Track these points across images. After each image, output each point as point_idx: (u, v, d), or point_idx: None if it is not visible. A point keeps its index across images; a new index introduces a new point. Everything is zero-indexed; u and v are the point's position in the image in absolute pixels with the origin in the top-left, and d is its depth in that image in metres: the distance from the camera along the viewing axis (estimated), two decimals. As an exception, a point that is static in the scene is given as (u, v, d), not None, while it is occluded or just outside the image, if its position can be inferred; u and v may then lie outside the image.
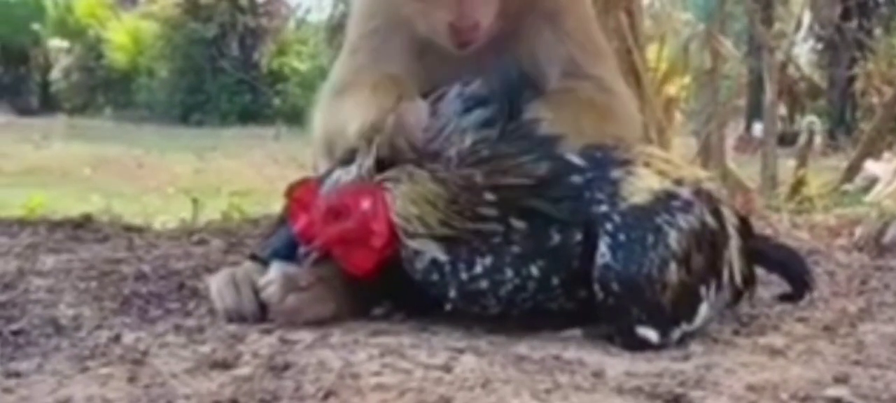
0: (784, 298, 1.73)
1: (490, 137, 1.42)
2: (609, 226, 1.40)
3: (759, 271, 1.71)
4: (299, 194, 1.52)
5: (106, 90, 14.69)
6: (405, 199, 1.42)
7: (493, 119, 1.42)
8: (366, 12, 1.69)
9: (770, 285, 1.76)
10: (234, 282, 1.54)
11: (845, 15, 9.96)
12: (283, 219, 1.60)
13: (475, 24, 1.55)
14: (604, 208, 1.41)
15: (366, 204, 1.43)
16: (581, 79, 1.61)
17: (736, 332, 1.55)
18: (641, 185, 1.44)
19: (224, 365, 1.28)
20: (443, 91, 1.48)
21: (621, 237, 1.39)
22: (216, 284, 1.56)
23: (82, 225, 2.55)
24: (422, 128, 1.43)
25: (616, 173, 1.44)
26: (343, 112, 1.57)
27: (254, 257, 1.63)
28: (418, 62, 1.60)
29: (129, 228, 2.60)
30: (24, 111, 13.69)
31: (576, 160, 1.44)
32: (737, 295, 1.62)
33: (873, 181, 4.77)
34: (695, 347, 1.45)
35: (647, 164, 1.48)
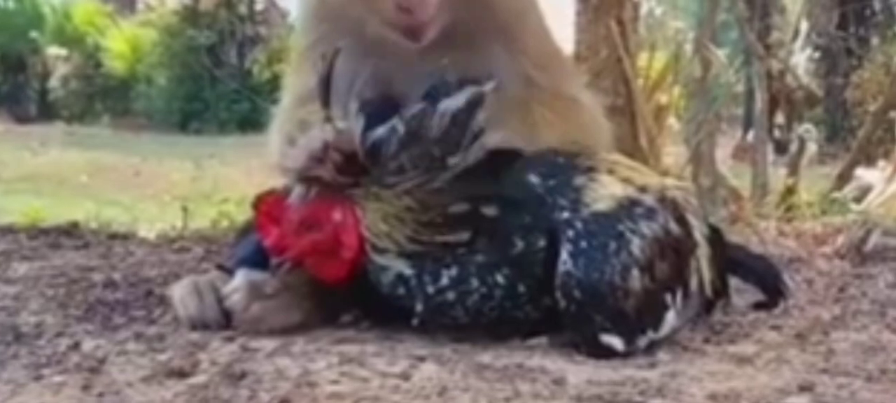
0: (758, 306, 1.71)
1: (445, 149, 1.40)
2: (571, 233, 1.38)
3: (735, 280, 1.70)
4: (268, 207, 1.50)
5: (104, 98, 14.67)
6: (375, 215, 1.40)
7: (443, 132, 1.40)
8: (310, 21, 1.66)
9: (745, 293, 1.75)
10: (197, 290, 1.52)
11: (842, 24, 9.96)
12: (249, 228, 1.59)
13: (419, 2, 1.49)
14: (566, 215, 1.40)
15: (337, 215, 1.42)
16: (540, 90, 1.59)
17: (706, 340, 1.54)
18: (604, 192, 1.42)
19: (181, 374, 1.26)
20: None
21: (583, 244, 1.38)
22: (179, 292, 1.55)
23: (68, 233, 2.55)
24: (312, 153, 1.40)
25: (579, 180, 1.43)
26: (280, 133, 1.55)
27: (220, 267, 1.62)
28: (371, 67, 1.58)
29: (113, 235, 2.60)
30: (22, 118, 13.68)
31: (538, 167, 1.42)
32: (709, 305, 1.61)
33: (867, 189, 4.76)
34: (662, 355, 1.43)
35: (611, 171, 1.47)
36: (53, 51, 14.85)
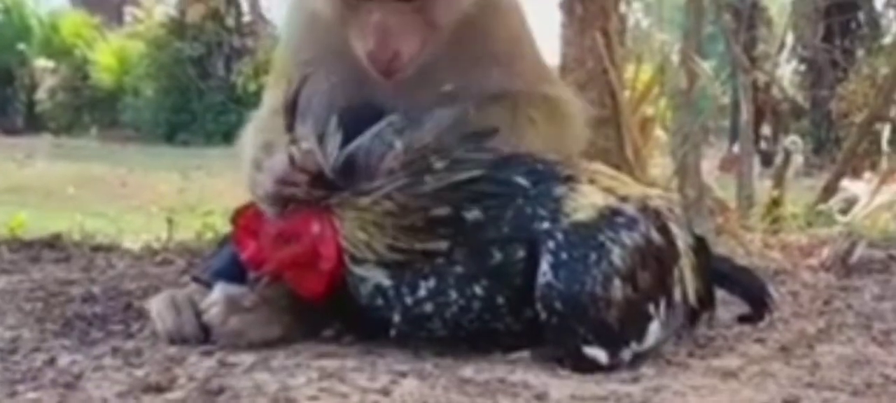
0: (743, 319, 1.70)
1: (431, 149, 1.39)
2: (551, 244, 1.37)
3: (720, 292, 1.68)
4: (246, 221, 1.49)
5: (92, 110, 14.63)
6: (353, 224, 1.39)
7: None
8: (295, 45, 1.66)
9: (731, 305, 1.74)
10: (175, 304, 1.50)
11: (828, 36, 10.00)
12: (226, 241, 1.57)
13: (394, 54, 1.49)
14: (546, 225, 1.38)
15: (315, 227, 1.40)
16: (529, 96, 1.59)
17: (690, 354, 1.52)
18: (585, 202, 1.41)
19: (157, 389, 1.24)
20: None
21: (563, 255, 1.36)
22: (156, 306, 1.53)
23: (50, 245, 2.52)
24: (277, 177, 1.40)
25: (559, 189, 1.41)
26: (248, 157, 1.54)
27: (196, 279, 1.60)
28: (352, 86, 1.57)
29: (96, 248, 2.58)
30: (9, 130, 13.61)
31: (519, 178, 1.41)
32: (693, 316, 1.60)
33: (853, 201, 4.77)
34: (646, 369, 1.42)
35: (592, 181, 1.45)
36: (41, 63, 14.82)
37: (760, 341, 1.62)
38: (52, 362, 1.38)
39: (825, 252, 2.48)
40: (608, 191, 1.45)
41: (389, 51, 1.49)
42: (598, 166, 1.54)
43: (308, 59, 1.59)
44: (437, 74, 1.53)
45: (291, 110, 1.39)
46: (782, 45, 9.85)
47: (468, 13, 1.56)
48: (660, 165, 4.30)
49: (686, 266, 1.51)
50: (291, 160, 1.39)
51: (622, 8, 3.74)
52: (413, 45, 1.51)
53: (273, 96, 1.63)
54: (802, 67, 10.74)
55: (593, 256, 1.37)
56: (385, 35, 1.49)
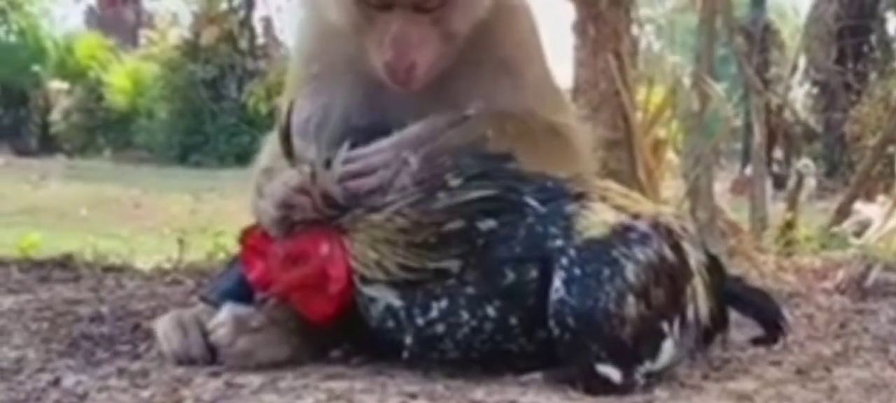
0: (758, 341, 1.67)
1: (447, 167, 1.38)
2: (564, 261, 1.35)
3: (734, 314, 1.66)
4: (254, 241, 1.47)
5: (105, 131, 14.68)
6: (363, 244, 1.37)
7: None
8: (307, 54, 1.65)
9: (744, 327, 1.72)
10: (182, 325, 1.49)
11: (840, 59, 9.97)
12: (235, 261, 1.56)
13: (411, 65, 1.49)
14: (558, 243, 1.36)
15: (324, 248, 1.39)
16: (534, 117, 1.58)
17: (705, 376, 1.50)
18: (596, 219, 1.39)
19: (163, 410, 1.23)
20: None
21: (576, 271, 1.34)
22: (163, 327, 1.51)
23: (61, 265, 2.51)
24: (278, 202, 1.39)
25: (570, 207, 1.40)
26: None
27: (204, 298, 1.58)
28: (367, 102, 1.56)
29: (107, 268, 2.56)
30: (23, 152, 13.67)
31: (529, 199, 1.39)
32: (707, 337, 1.58)
33: (866, 224, 4.72)
34: (660, 392, 1.39)
35: (603, 198, 1.44)
36: (55, 84, 14.89)
37: (776, 364, 1.60)
38: (56, 382, 1.36)
39: (840, 274, 2.45)
40: (620, 208, 1.44)
41: (407, 61, 1.49)
42: (609, 184, 1.52)
43: (320, 70, 1.59)
44: (448, 82, 1.53)
45: (287, 138, 1.38)
46: (794, 68, 9.82)
47: (481, 19, 1.55)
48: (671, 187, 4.28)
49: (699, 284, 1.49)
50: (292, 184, 1.37)
51: (634, 30, 3.74)
52: (430, 55, 1.50)
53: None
54: (815, 90, 10.70)
55: (607, 272, 1.35)
56: (403, 45, 1.48)
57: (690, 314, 1.47)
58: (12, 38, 15.08)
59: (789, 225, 4.06)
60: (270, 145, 1.62)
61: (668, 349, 1.42)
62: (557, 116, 1.63)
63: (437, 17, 1.50)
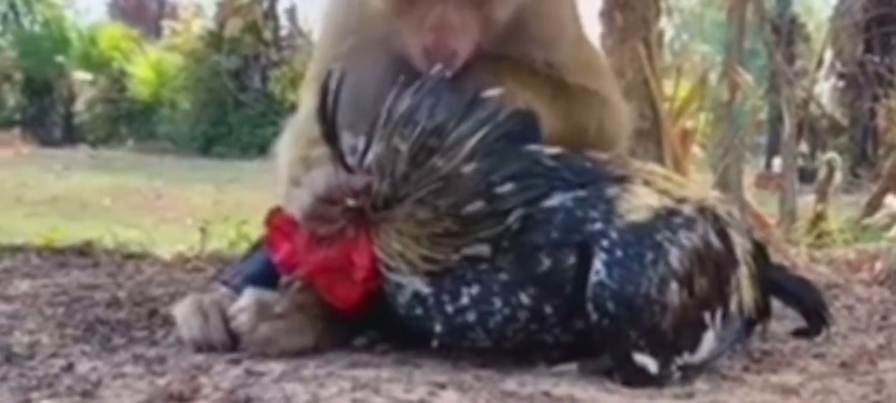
0: (799, 333, 1.61)
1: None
2: (605, 243, 1.28)
3: (774, 304, 1.59)
4: (280, 222, 1.41)
5: (129, 122, 14.71)
6: (388, 235, 1.31)
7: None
8: (337, 33, 1.58)
9: (784, 319, 1.65)
10: (202, 310, 1.43)
11: (867, 51, 9.83)
12: (259, 246, 1.50)
13: (452, 53, 1.43)
14: (599, 225, 1.29)
15: (350, 232, 1.33)
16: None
17: (746, 368, 1.44)
18: (639, 202, 1.32)
19: (180, 399, 1.17)
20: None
21: (618, 253, 1.27)
22: (182, 312, 1.45)
23: (81, 252, 2.47)
24: (317, 196, 1.32)
25: (612, 190, 1.33)
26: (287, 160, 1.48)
27: (226, 283, 1.53)
28: (398, 78, 1.50)
29: (127, 255, 2.52)
30: (47, 142, 13.72)
31: (566, 174, 1.32)
32: (748, 327, 1.51)
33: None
34: (700, 384, 1.33)
35: (647, 182, 1.37)
36: (79, 75, 14.93)
37: (819, 356, 1.53)
38: (70, 368, 1.31)
39: (878, 266, 2.39)
40: (664, 192, 1.37)
41: (448, 50, 1.43)
42: (653, 167, 1.45)
43: (347, 50, 1.52)
44: (482, 63, 1.46)
45: (325, 115, 1.30)
46: (821, 62, 9.69)
47: (523, 3, 1.50)
48: (698, 180, 4.22)
49: (744, 275, 1.42)
50: (333, 181, 1.31)
51: (662, 22, 3.67)
52: (469, 42, 1.45)
53: (309, 99, 1.55)
54: (841, 83, 10.57)
55: (650, 256, 1.28)
56: (445, 32, 1.42)
57: (734, 305, 1.40)
58: (36, 29, 15.15)
59: (820, 218, 3.98)
60: (296, 131, 1.56)
61: (708, 341, 1.36)
62: (600, 84, 1.57)
63: (480, 2, 1.44)
